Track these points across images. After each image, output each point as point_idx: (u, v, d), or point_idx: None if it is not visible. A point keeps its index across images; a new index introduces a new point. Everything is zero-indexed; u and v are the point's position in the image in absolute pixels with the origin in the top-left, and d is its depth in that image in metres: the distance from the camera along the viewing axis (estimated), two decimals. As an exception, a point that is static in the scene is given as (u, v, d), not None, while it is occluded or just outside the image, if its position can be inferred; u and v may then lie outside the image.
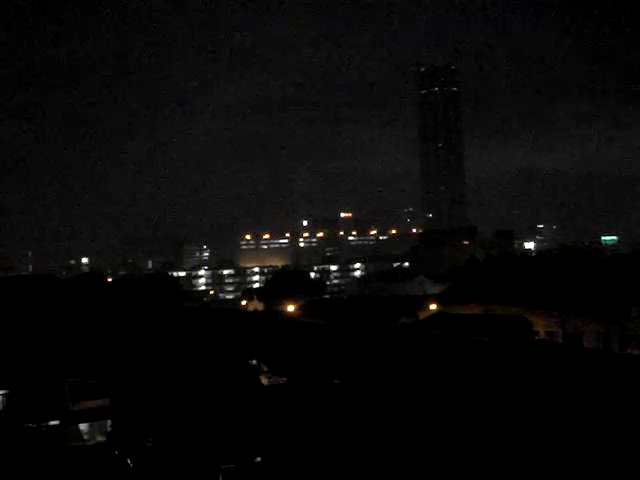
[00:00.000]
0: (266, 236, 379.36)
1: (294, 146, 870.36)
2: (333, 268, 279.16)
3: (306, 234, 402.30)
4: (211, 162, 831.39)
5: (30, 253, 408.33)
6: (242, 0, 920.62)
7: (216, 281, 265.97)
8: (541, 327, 76.69)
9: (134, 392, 44.34)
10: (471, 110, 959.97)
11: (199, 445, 35.24)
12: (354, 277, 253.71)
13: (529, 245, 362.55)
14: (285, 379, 47.99)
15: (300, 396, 42.91)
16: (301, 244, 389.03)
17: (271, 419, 38.45)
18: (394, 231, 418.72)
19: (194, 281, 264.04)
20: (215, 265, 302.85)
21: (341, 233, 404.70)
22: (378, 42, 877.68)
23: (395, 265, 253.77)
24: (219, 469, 32.75)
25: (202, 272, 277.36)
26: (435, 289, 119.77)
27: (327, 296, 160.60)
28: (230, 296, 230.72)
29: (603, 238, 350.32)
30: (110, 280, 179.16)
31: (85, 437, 41.96)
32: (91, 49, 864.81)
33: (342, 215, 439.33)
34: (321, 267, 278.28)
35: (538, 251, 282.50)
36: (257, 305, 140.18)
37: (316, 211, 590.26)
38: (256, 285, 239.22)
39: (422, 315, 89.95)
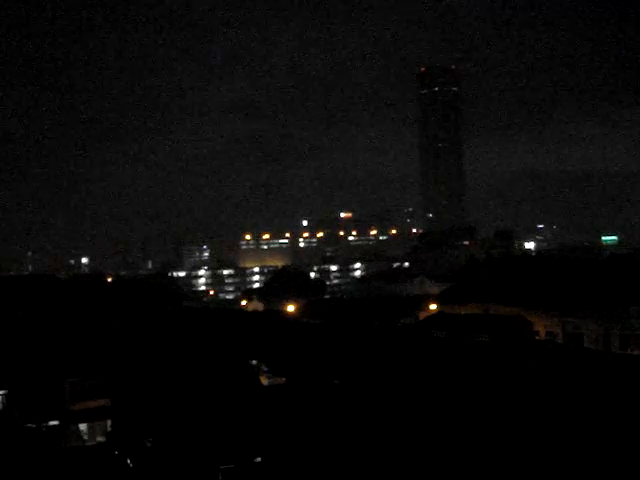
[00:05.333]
0: (266, 236, 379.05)
1: (294, 146, 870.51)
2: (333, 268, 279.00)
3: (306, 234, 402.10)
4: (211, 162, 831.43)
5: (30, 253, 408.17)
6: (241, 0, 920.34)
7: (216, 281, 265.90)
8: (541, 327, 76.65)
9: (134, 392, 44.30)
10: (471, 110, 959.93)
11: (199, 445, 35.21)
12: (354, 277, 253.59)
13: (529, 245, 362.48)
14: (285, 379, 47.94)
15: (300, 396, 42.88)
16: (301, 244, 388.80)
17: (271, 419, 38.41)
18: (394, 231, 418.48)
19: (194, 281, 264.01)
20: (215, 265, 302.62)
21: (341, 233, 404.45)
22: (378, 42, 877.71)
23: (395, 265, 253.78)
24: (219, 469, 32.71)
25: (202, 272, 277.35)
26: (435, 289, 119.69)
27: (327, 296, 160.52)
28: (230, 296, 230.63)
29: (603, 238, 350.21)
30: (110, 280, 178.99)
31: (85, 437, 41.91)
32: (89, 50, 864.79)
33: (342, 215, 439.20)
34: (321, 267, 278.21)
35: (538, 251, 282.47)
36: (257, 305, 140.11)
37: (316, 211, 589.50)
38: (256, 285, 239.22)
39: (422, 315, 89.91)
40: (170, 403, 41.47)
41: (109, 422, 42.08)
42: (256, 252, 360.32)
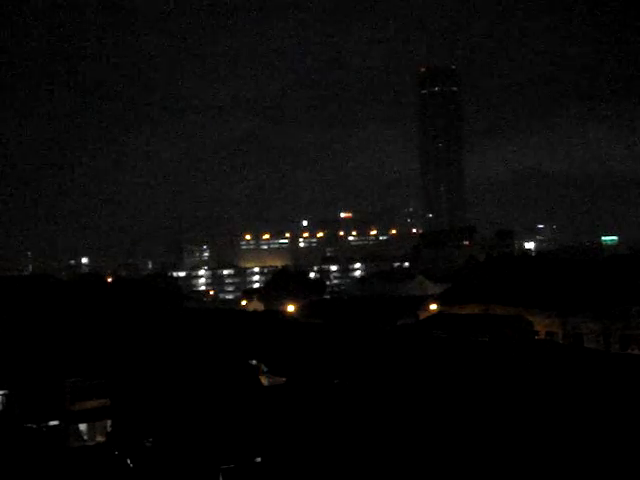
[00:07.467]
0: (266, 236, 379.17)
1: (294, 146, 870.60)
2: (333, 268, 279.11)
3: (306, 234, 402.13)
4: (211, 162, 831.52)
5: (30, 253, 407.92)
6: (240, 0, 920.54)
7: (216, 281, 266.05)
8: (541, 327, 76.61)
9: (134, 392, 44.32)
10: (471, 110, 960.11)
11: (199, 445, 35.24)
12: (354, 277, 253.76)
13: (529, 245, 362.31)
14: (285, 379, 47.96)
15: (300, 396, 42.91)
16: (301, 244, 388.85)
17: (271, 419, 38.44)
18: (394, 231, 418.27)
19: (194, 281, 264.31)
20: (215, 265, 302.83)
21: (341, 233, 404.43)
22: (378, 42, 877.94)
23: (395, 265, 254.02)
24: (219, 469, 32.75)
25: (202, 272, 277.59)
26: (435, 289, 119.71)
27: (327, 296, 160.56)
28: (230, 296, 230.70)
29: (603, 238, 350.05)
30: (110, 280, 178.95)
31: (85, 437, 41.94)
32: (89, 48, 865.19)
33: (342, 215, 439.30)
34: (321, 267, 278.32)
35: (538, 251, 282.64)
36: (257, 305, 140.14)
37: (316, 211, 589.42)
38: (256, 285, 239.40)
39: (422, 315, 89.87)
40: (170, 403, 41.49)
41: (109, 422, 42.12)
42: (256, 252, 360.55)
